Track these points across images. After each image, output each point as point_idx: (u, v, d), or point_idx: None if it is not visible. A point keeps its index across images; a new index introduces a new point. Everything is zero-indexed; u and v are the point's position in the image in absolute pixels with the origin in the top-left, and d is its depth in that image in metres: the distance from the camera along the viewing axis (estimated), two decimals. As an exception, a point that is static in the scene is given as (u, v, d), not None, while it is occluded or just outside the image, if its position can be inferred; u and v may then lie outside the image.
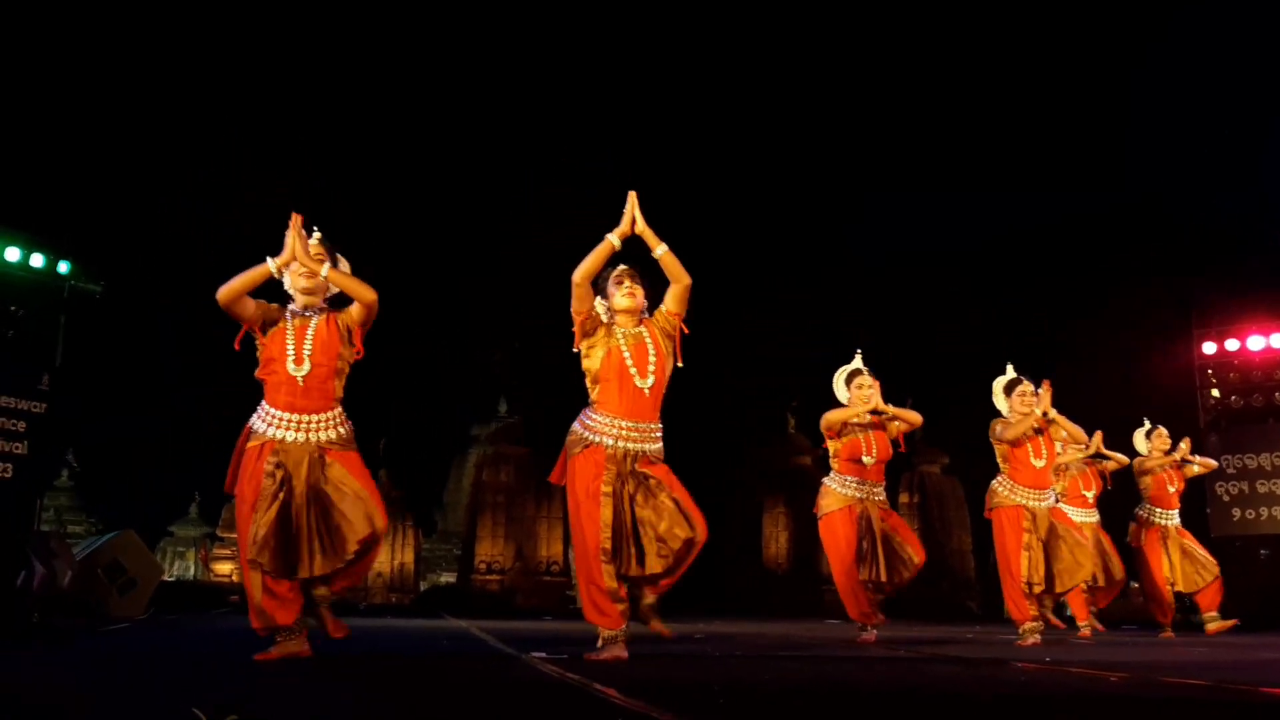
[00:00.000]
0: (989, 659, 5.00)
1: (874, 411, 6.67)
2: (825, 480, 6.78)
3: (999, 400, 6.85)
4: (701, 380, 4.59)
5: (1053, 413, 6.69)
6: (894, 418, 6.67)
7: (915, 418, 6.69)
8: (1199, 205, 16.63)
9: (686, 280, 4.43)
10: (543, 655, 4.44)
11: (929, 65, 18.00)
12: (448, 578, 16.51)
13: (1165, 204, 16.97)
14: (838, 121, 18.48)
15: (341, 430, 4.21)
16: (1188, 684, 3.67)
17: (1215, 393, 14.96)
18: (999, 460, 6.78)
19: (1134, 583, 9.79)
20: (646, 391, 4.35)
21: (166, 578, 16.94)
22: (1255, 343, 14.71)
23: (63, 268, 11.05)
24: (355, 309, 4.27)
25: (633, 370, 4.36)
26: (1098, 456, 8.51)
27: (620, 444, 4.33)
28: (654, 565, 4.25)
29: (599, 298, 4.53)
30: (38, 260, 10.82)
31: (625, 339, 4.42)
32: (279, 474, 4.03)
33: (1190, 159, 16.29)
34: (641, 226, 4.37)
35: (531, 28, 17.72)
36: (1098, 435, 8.37)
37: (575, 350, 4.49)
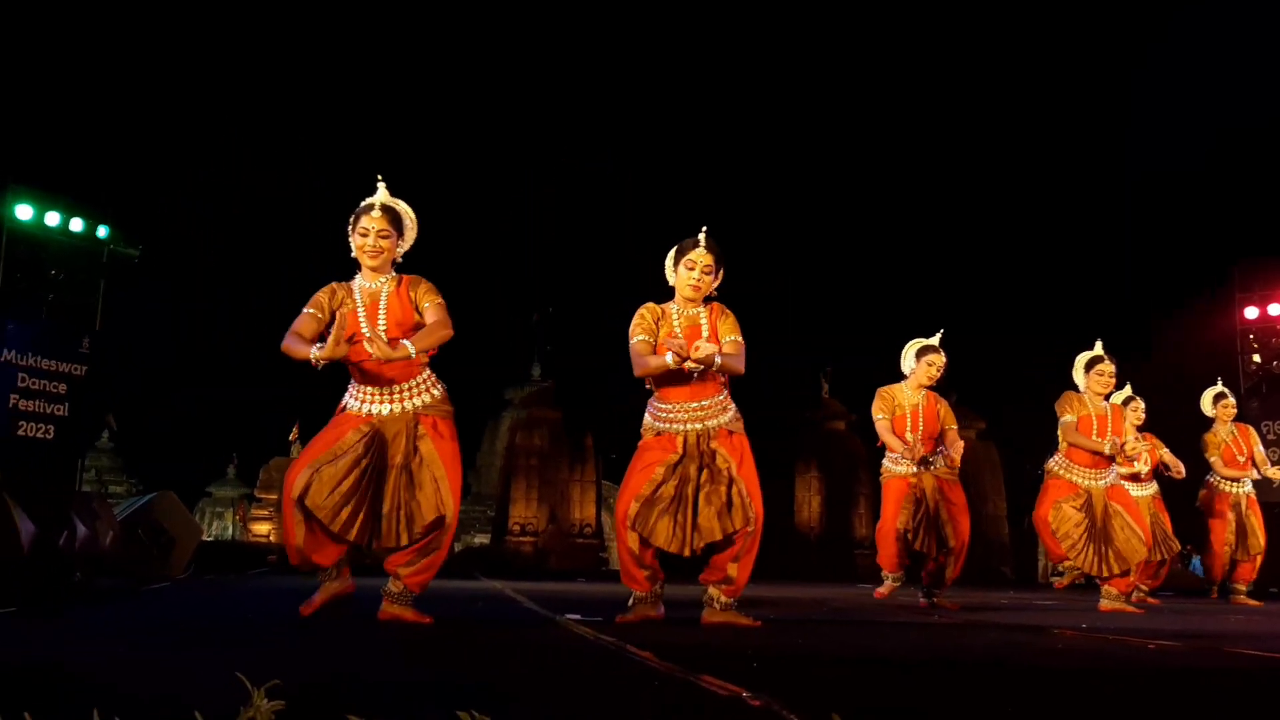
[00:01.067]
0: (1025, 625, 4.99)
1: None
2: (885, 461, 6.79)
3: (1078, 374, 6.75)
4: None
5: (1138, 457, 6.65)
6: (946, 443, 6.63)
7: (958, 448, 6.62)
8: (1241, 171, 16.30)
9: (742, 371, 4.32)
10: (577, 618, 4.47)
11: (936, 55, 17.76)
12: (481, 539, 16.63)
13: (1207, 170, 16.66)
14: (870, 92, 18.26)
15: (435, 392, 4.16)
16: (1235, 652, 3.64)
17: (1256, 358, 14.76)
18: (1059, 436, 6.72)
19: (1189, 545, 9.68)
20: (696, 373, 4.25)
21: (205, 538, 17.22)
22: (1298, 307, 14.48)
23: (102, 232, 11.15)
24: (425, 291, 4.14)
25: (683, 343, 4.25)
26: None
27: (689, 426, 4.33)
28: (692, 546, 4.25)
29: (674, 275, 4.44)
30: (77, 225, 10.92)
31: (680, 321, 4.37)
32: (369, 437, 4.01)
33: (1229, 127, 15.96)
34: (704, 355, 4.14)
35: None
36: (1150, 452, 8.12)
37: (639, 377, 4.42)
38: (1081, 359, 6.75)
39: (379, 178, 4.19)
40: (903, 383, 6.66)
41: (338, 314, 3.93)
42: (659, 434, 4.37)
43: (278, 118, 18.67)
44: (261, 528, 16.43)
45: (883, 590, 6.88)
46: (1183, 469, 8.17)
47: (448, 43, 18.17)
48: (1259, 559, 8.52)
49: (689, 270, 4.35)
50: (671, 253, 4.44)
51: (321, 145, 19.16)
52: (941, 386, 6.79)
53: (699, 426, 4.32)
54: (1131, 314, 18.20)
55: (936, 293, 18.31)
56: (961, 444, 6.58)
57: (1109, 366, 6.62)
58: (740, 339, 4.33)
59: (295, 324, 3.99)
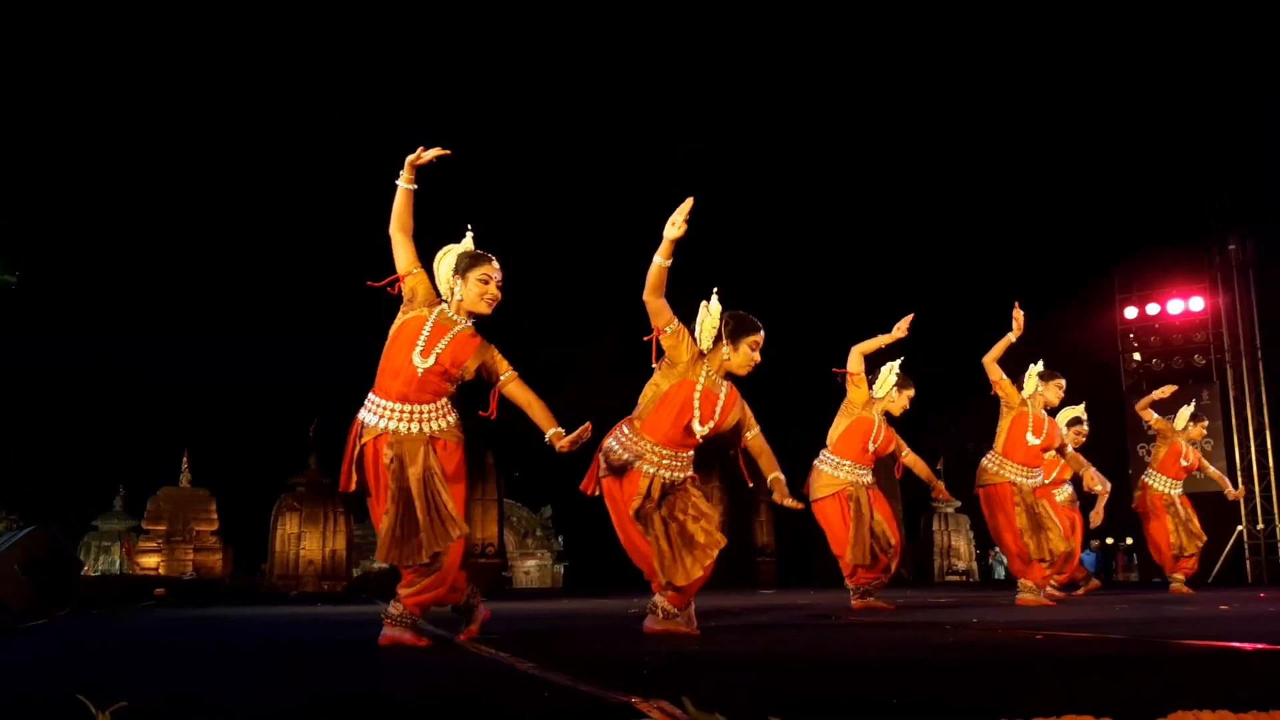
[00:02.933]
0: (918, 622, 5.05)
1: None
2: (818, 464, 6.77)
3: (1030, 381, 6.89)
4: (643, 355, 4.50)
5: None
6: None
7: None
8: (1122, 174, 16.91)
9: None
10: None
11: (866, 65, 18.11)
12: (380, 564, 16.27)
13: (1089, 172, 17.24)
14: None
15: (451, 419, 4.08)
16: (1103, 639, 3.73)
17: (1137, 356, 15.31)
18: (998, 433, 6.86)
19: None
20: (698, 438, 4.34)
21: (90, 572, 16.59)
22: (1175, 306, 15.07)
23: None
24: (498, 363, 4.13)
25: (698, 413, 4.31)
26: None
27: (660, 472, 4.34)
28: (695, 572, 4.29)
29: (727, 345, 4.40)
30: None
31: (705, 379, 4.35)
32: (394, 466, 3.96)
33: (1109, 129, 16.55)
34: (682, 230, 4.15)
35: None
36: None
37: (655, 364, 4.38)
38: (1035, 371, 6.90)
39: (469, 228, 4.19)
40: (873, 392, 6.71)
41: (407, 312, 4.03)
42: (624, 466, 4.34)
43: (154, 142, 18.16)
44: (149, 560, 15.89)
45: (859, 602, 6.67)
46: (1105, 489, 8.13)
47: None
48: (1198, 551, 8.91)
49: (753, 351, 4.42)
50: (725, 320, 4.42)
51: (201, 163, 18.71)
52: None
53: (665, 475, 4.35)
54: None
55: (830, 298, 18.53)
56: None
57: (1063, 382, 6.95)
58: (757, 427, 4.60)
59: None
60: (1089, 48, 17.11)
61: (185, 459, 16.93)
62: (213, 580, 15.24)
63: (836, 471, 6.64)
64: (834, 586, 9.53)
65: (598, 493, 4.47)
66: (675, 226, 4.10)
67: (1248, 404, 14.41)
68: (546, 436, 3.97)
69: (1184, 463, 8.92)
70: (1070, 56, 17.32)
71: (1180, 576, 8.79)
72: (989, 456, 6.88)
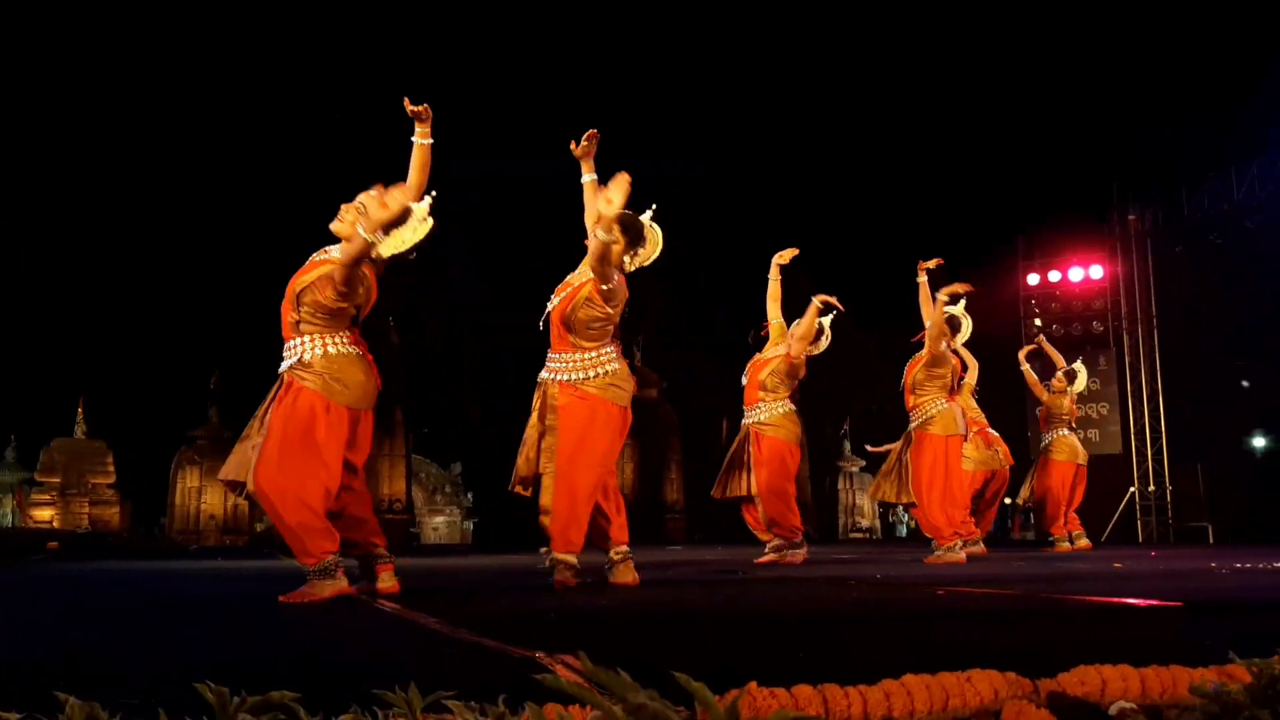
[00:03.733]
0: (823, 578, 5.12)
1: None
2: (792, 407, 6.84)
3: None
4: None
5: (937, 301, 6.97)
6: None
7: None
8: (1030, 144, 17.22)
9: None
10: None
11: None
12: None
13: (999, 142, 17.51)
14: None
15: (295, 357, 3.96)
16: (1004, 594, 3.81)
17: (1038, 321, 15.67)
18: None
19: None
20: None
21: (-21, 526, 16.04)
22: (1075, 274, 15.45)
23: None
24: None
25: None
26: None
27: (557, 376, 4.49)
28: None
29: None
30: None
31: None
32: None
33: (1019, 102, 16.83)
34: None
35: None
36: None
37: (605, 287, 4.35)
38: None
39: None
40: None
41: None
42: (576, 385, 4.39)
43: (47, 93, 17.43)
44: (43, 514, 15.39)
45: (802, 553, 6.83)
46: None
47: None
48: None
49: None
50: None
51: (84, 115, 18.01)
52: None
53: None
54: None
55: (738, 264, 18.59)
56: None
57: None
58: None
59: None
60: (998, 25, 17.34)
61: (80, 409, 16.38)
62: (109, 534, 14.83)
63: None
64: (741, 543, 9.64)
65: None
66: (613, 205, 4.13)
67: (1142, 370, 14.87)
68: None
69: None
70: (980, 34, 17.55)
71: (1078, 533, 9.10)
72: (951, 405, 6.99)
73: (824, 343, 6.98)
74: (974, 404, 8.79)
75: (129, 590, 3.87)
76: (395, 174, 3.96)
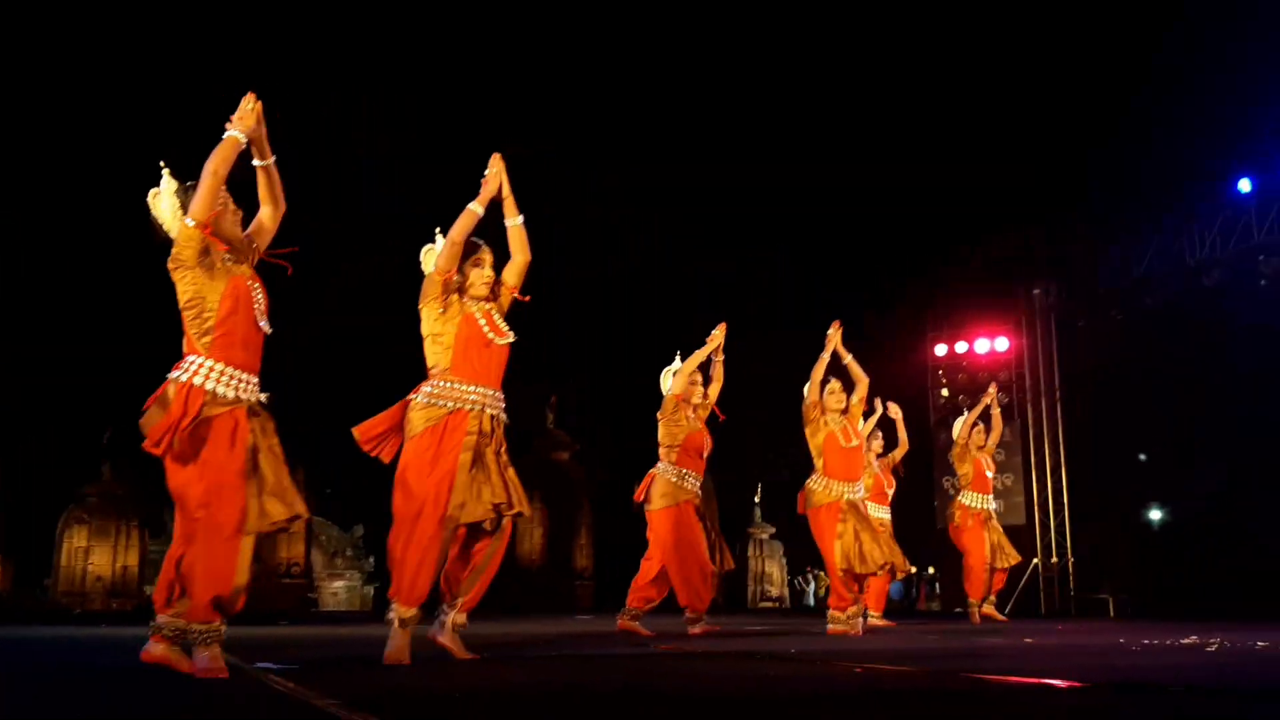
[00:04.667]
0: (737, 652, 4.99)
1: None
2: (661, 471, 6.67)
3: (814, 393, 7.01)
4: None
5: (843, 351, 6.96)
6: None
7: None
8: (936, 216, 17.60)
9: (529, 257, 4.49)
10: (269, 665, 4.06)
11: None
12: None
13: (908, 211, 17.88)
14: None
15: (262, 396, 3.79)
16: (923, 672, 3.73)
17: (945, 391, 15.90)
18: (813, 457, 6.93)
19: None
20: (504, 348, 4.36)
21: None
22: (981, 345, 15.74)
23: None
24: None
25: (489, 334, 4.31)
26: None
27: (486, 410, 4.27)
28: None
29: (460, 277, 4.39)
30: None
31: (478, 308, 4.35)
32: (247, 437, 3.65)
33: (929, 173, 17.23)
34: (507, 191, 4.38)
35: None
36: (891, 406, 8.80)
37: (420, 307, 4.31)
38: (818, 381, 7.01)
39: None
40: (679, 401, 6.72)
41: (213, 278, 3.67)
42: (451, 412, 4.21)
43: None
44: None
45: (709, 627, 6.63)
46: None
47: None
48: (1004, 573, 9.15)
49: (479, 268, 4.38)
50: (449, 254, 4.30)
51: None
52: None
53: (492, 412, 4.30)
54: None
55: (653, 326, 18.58)
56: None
57: (837, 384, 7.02)
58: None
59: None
60: (911, 96, 17.79)
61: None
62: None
63: (681, 482, 6.66)
64: (655, 610, 9.46)
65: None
66: (496, 181, 4.31)
67: (1045, 442, 15.13)
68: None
69: (989, 474, 9.19)
70: (890, 103, 17.98)
71: (992, 599, 9.04)
72: (812, 478, 6.96)
73: (708, 390, 6.89)
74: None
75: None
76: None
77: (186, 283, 3.61)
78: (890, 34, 17.65)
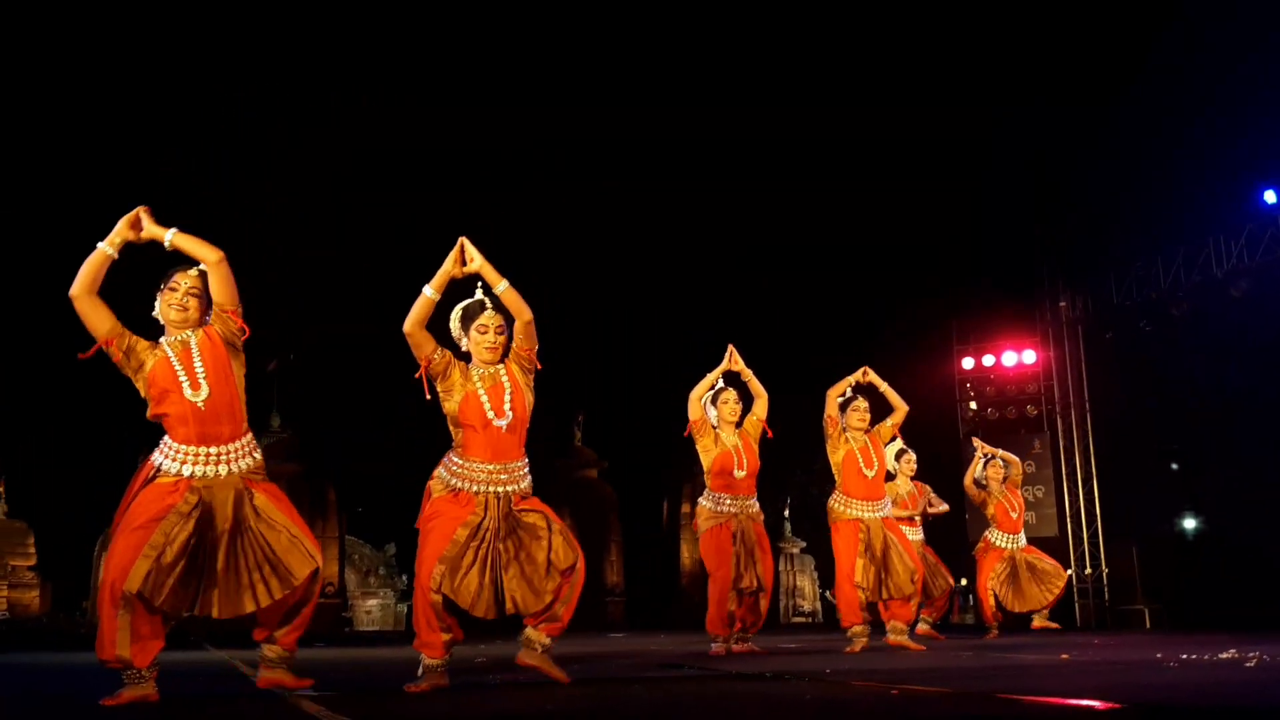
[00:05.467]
0: (772, 673, 5.01)
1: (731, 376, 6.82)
2: (701, 497, 6.79)
3: (834, 412, 7.04)
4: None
5: (874, 378, 6.97)
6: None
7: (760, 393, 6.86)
8: (965, 229, 17.56)
9: (529, 315, 4.30)
10: (306, 693, 4.11)
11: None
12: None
13: (933, 223, 17.84)
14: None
15: (257, 456, 3.95)
16: (963, 693, 3.74)
17: (973, 405, 15.87)
18: (834, 473, 6.99)
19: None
20: (504, 429, 4.21)
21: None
22: (1009, 359, 15.71)
23: None
24: (220, 296, 3.97)
25: (490, 413, 4.19)
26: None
27: (490, 488, 4.18)
28: (531, 604, 4.11)
29: (465, 340, 4.36)
30: None
31: (481, 380, 4.25)
32: (196, 513, 3.72)
33: (955, 190, 17.21)
34: (480, 263, 4.25)
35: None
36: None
37: (428, 399, 4.28)
38: (835, 398, 7.02)
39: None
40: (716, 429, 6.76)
41: (141, 372, 3.85)
42: (455, 491, 4.19)
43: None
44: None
45: (719, 649, 6.68)
46: (945, 506, 9.27)
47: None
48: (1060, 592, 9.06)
49: (482, 334, 4.29)
50: (456, 318, 4.36)
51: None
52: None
53: (499, 490, 4.20)
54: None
55: (659, 339, 18.51)
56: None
57: (862, 403, 7.02)
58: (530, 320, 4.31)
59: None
60: (931, 108, 17.76)
61: (1, 487, 15.85)
62: (28, 619, 14.27)
63: (717, 506, 6.70)
64: (686, 629, 9.50)
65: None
66: (453, 264, 4.20)
67: (1076, 453, 15.08)
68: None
69: (1013, 515, 9.13)
70: (912, 121, 17.95)
71: (993, 629, 9.01)
72: (834, 496, 7.02)
73: (755, 407, 6.91)
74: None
75: (39, 686, 3.67)
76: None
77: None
78: (928, 36, 17.57)
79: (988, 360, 15.81)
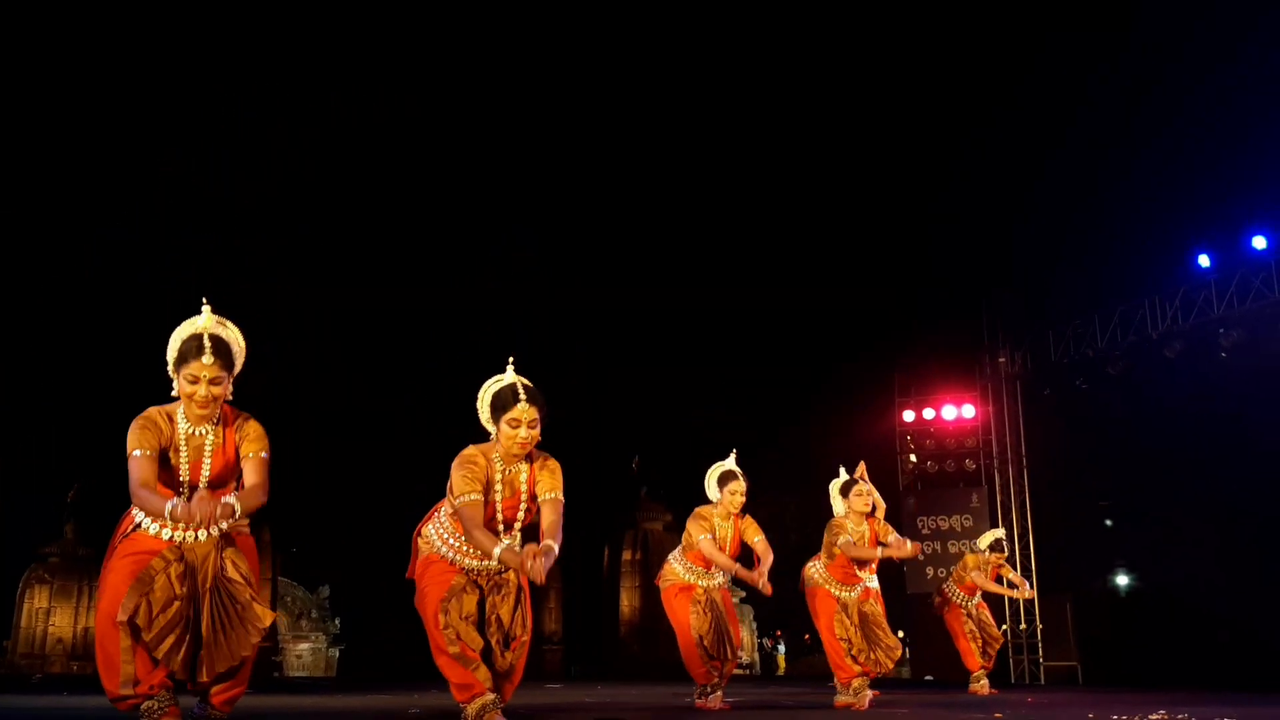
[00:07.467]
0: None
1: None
2: (672, 562, 6.56)
3: (836, 502, 6.92)
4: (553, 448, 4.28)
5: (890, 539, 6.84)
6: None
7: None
8: (904, 291, 17.88)
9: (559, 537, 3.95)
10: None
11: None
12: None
13: (874, 288, 18.14)
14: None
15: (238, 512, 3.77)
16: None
17: (913, 457, 16.02)
18: (825, 546, 6.83)
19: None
20: (505, 532, 4.02)
21: None
22: (948, 412, 15.90)
23: None
24: (253, 438, 3.86)
25: (501, 526, 4.01)
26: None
27: (474, 563, 4.01)
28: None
29: (493, 428, 4.04)
30: None
31: (502, 483, 4.02)
32: (179, 567, 3.63)
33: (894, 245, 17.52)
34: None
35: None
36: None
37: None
38: (835, 485, 6.95)
39: (204, 300, 3.77)
40: (713, 507, 6.52)
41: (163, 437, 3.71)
42: (442, 558, 4.04)
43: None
44: None
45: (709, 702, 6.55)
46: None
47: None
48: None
49: (514, 429, 3.93)
50: (486, 401, 4.03)
51: None
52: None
53: (481, 565, 4.03)
54: (800, 414, 19.40)
55: (646, 402, 18.52)
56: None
57: (865, 486, 6.84)
58: (560, 495, 3.98)
59: (137, 473, 3.61)
60: (877, 182, 18.12)
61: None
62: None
63: (687, 573, 6.53)
64: (624, 679, 9.40)
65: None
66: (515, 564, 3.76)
67: (1013, 508, 15.26)
68: None
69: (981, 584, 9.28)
70: (846, 179, 18.30)
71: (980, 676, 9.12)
72: (814, 566, 6.90)
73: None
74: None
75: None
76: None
77: None
78: (872, 107, 17.97)
79: (928, 414, 15.98)
